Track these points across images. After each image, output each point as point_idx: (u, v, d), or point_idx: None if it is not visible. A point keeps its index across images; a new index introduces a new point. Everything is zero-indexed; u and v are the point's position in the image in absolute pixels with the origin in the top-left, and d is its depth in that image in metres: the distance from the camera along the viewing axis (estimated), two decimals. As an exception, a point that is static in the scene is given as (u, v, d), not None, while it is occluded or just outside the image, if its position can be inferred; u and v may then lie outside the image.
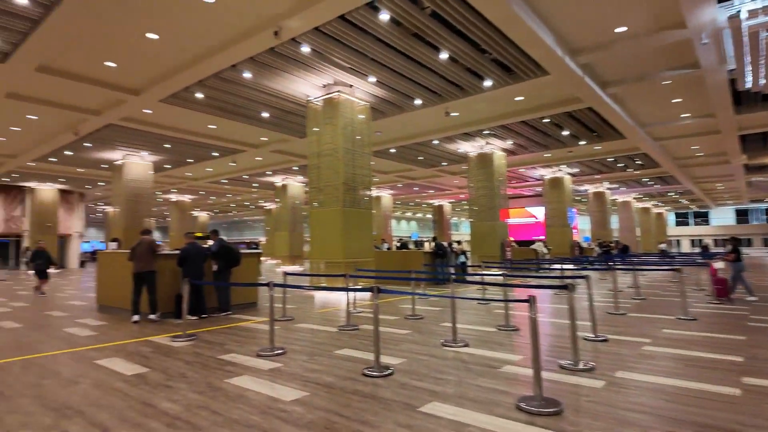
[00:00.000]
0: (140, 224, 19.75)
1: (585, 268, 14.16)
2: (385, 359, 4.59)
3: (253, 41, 9.25)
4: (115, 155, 19.47)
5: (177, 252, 7.98)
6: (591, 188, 30.84)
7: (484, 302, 8.79)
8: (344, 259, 11.72)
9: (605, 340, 5.52)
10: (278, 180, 26.87)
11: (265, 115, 14.50)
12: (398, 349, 5.18)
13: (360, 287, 8.04)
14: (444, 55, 10.24)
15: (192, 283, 7.21)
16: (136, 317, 7.22)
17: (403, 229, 59.19)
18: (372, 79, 11.66)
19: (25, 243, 27.03)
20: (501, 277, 8.69)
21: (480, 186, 19.28)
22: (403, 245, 21.08)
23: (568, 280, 5.41)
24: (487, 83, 11.95)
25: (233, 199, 38.01)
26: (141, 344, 5.60)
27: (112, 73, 11.02)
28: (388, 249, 19.33)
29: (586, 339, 5.52)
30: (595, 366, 4.35)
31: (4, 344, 5.73)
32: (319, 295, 10.98)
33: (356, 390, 3.70)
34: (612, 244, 25.74)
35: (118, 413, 3.20)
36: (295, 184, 26.99)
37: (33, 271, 12.24)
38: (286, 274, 8.20)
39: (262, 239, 49.09)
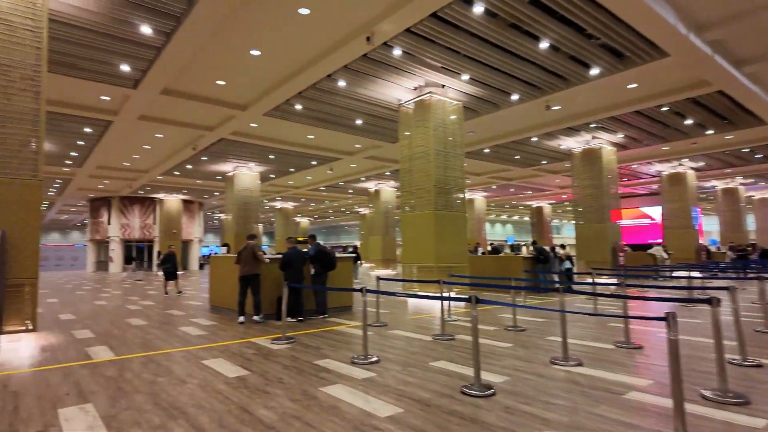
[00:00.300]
0: (249, 230, 21.40)
1: (716, 276, 12.19)
2: (486, 376, 4.19)
3: (346, 49, 9.39)
4: (227, 167, 21.32)
5: (279, 256, 8.31)
6: (720, 184, 26.76)
7: (597, 315, 7.88)
8: (436, 264, 11.41)
9: (758, 366, 4.52)
10: (371, 185, 27.41)
11: (359, 122, 14.76)
12: (500, 365, 4.73)
13: (454, 294, 7.64)
14: (544, 45, 9.48)
15: (291, 286, 7.43)
16: (241, 318, 7.62)
17: (497, 232, 56.99)
18: (465, 76, 11.23)
19: (156, 248, 30.88)
20: (615, 286, 7.69)
21: (586, 185, 17.67)
22: (495, 250, 20.07)
23: (708, 292, 4.51)
24: (594, 71, 10.84)
25: (330, 205, 39.68)
26: (244, 345, 5.83)
27: (222, 91, 11.99)
28: (483, 254, 18.56)
29: (731, 362, 4.56)
30: (749, 398, 3.52)
31: (131, 340, 6.34)
32: (413, 300, 10.77)
33: (454, 410, 3.37)
34: (749, 248, 22.00)
35: (218, 418, 3.25)
36: (388, 189, 27.29)
37: (162, 273, 13.62)
38: (379, 278, 8.11)
39: (358, 243, 50.67)
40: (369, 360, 4.89)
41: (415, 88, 11.95)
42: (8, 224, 5.97)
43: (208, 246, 46.91)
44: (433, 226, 11.62)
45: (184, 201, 32.05)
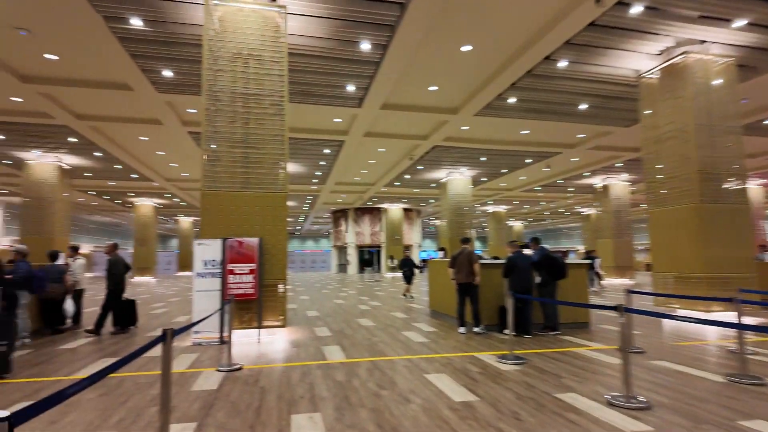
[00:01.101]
0: (464, 235, 21.32)
1: None
2: None
3: (569, 21, 8.05)
4: (441, 174, 21.77)
5: (496, 261, 7.57)
6: None
7: None
8: (703, 273, 8.72)
9: None
10: (597, 181, 23.97)
11: (583, 107, 12.81)
12: None
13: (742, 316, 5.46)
14: None
15: (517, 296, 6.59)
16: (462, 329, 7.14)
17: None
18: (739, 22, 8.34)
19: (384, 252, 34.06)
20: None
21: None
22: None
23: None
24: None
25: (547, 206, 36.75)
26: (467, 360, 5.26)
27: (434, 97, 12.02)
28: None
29: None
30: None
31: (359, 342, 6.53)
32: (668, 319, 8.44)
33: None
34: None
35: (446, 458, 2.68)
36: (618, 184, 23.38)
37: (402, 276, 13.93)
38: (629, 291, 6.48)
39: (580, 248, 45.53)
40: (635, 403, 3.64)
41: (661, 52, 9.53)
42: (263, 232, 6.97)
43: (425, 251, 49.50)
44: (695, 224, 8.97)
45: (405, 209, 34.52)
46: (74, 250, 7.91)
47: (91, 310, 10.84)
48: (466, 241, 7.47)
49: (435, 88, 11.41)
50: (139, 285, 22.27)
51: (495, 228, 36.61)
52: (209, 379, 4.43)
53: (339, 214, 36.68)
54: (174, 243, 59.35)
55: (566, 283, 7.55)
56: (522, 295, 6.10)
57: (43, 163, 17.53)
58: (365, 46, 9.03)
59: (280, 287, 6.99)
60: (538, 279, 7.26)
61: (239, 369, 4.84)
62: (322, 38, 8.81)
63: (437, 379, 4.45)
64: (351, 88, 11.14)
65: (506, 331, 7.00)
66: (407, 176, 22.32)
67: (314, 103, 12.09)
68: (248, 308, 6.79)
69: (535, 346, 6.12)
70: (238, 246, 6.60)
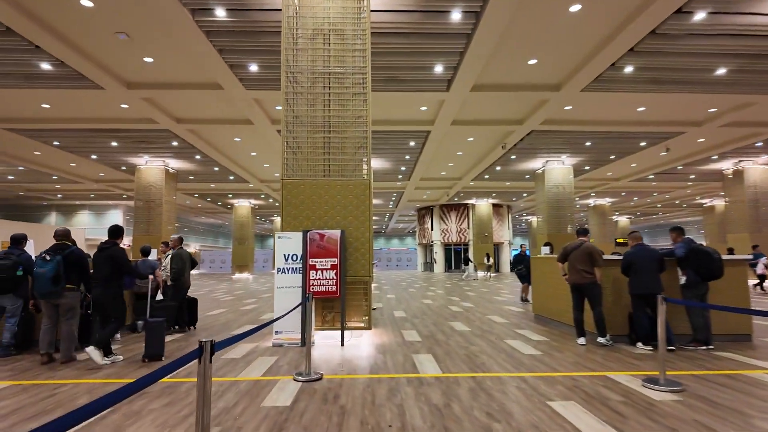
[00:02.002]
0: (562, 230, 19.29)
1: None
2: None
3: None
4: (536, 164, 19.93)
5: (615, 257, 6.18)
6: None
7: None
8: None
9: None
10: (727, 166, 20.38)
11: (721, 71, 10.55)
12: None
13: None
14: None
15: (641, 298, 5.26)
16: (581, 340, 5.88)
17: None
18: None
19: (471, 250, 32.56)
20: None
21: None
22: None
23: None
24: None
25: (659, 198, 32.48)
26: (600, 382, 4.09)
27: (533, 72, 10.65)
28: None
29: None
30: None
31: (455, 351, 5.60)
32: None
33: None
34: None
35: None
36: (757, 168, 19.61)
37: (517, 276, 11.78)
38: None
39: (704, 242, 39.85)
40: None
41: None
42: (346, 224, 6.36)
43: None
44: None
45: (494, 205, 32.66)
46: (167, 246, 7.97)
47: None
48: (584, 232, 6.17)
49: (534, 61, 10.06)
50: (237, 281, 23.42)
51: (598, 223, 33.19)
52: (283, 392, 3.82)
53: (424, 211, 35.82)
54: (270, 242, 62.96)
55: (719, 285, 5.93)
56: (643, 298, 4.71)
57: (151, 167, 19.00)
58: (455, 16, 8.06)
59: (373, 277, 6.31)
60: (682, 279, 5.75)
61: (318, 379, 4.19)
62: (408, 11, 8.01)
63: (565, 409, 3.38)
64: (439, 69, 10.21)
65: (639, 345, 5.62)
66: (498, 168, 20.79)
67: (398, 90, 11.35)
68: (331, 307, 6.22)
69: (688, 366, 4.72)
70: (319, 239, 6.04)
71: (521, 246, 9.81)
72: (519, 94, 11.66)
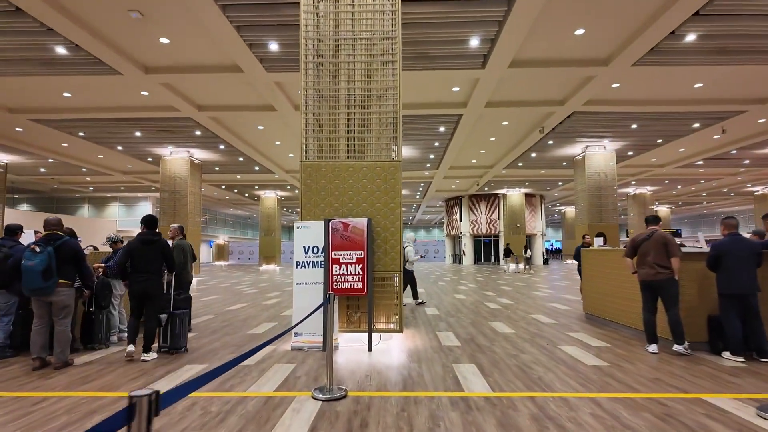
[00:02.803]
0: (604, 220, 18.01)
1: None
2: None
3: None
4: (575, 149, 18.65)
5: (696, 249, 5.20)
6: None
7: None
8: None
9: None
10: (792, 149, 18.55)
11: (801, 37, 9.19)
12: None
13: None
14: None
15: (732, 299, 4.33)
16: (652, 347, 4.97)
17: None
18: None
19: (502, 242, 31.35)
20: None
21: None
22: None
23: None
24: None
25: (705, 186, 30.37)
26: (698, 409, 3.22)
27: (579, 45, 9.57)
28: None
29: None
30: None
31: (503, 360, 4.80)
32: None
33: None
34: None
35: None
36: (828, 152, 17.75)
37: (577, 270, 10.74)
38: None
39: (746, 235, 37.28)
40: None
41: None
42: (373, 212, 5.61)
43: (549, 240, 45.12)
44: None
45: (526, 195, 31.30)
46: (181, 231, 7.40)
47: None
48: (656, 220, 5.21)
49: (581, 31, 8.99)
50: (264, 272, 23.15)
51: (638, 213, 31.36)
52: (299, 416, 3.12)
53: (452, 202, 34.75)
54: (297, 233, 62.96)
55: (825, 285, 4.89)
56: (735, 298, 3.78)
57: (176, 157, 18.75)
58: (494, -24, 7.11)
59: (395, 279, 5.56)
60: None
61: (342, 397, 3.48)
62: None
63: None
64: (474, 42, 9.27)
65: (727, 355, 4.67)
66: (533, 155, 19.59)
67: (429, 67, 10.47)
68: (356, 306, 5.50)
69: (800, 387, 3.76)
70: (343, 229, 5.31)
71: (585, 237, 8.57)
72: (562, 70, 10.58)
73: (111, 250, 5.86)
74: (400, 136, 5.66)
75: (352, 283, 5.21)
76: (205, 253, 45.59)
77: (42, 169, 22.37)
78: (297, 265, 5.29)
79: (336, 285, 5.18)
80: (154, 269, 4.82)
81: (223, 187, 28.80)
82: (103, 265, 5.48)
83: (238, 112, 13.63)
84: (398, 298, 5.54)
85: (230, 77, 10.92)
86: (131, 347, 4.68)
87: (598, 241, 7.94)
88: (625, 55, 9.70)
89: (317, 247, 5.32)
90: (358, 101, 5.74)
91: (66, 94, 12.10)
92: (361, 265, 5.23)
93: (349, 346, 5.23)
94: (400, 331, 5.58)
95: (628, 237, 26.03)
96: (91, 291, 5.08)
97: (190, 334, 6.13)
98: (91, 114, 13.62)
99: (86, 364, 4.54)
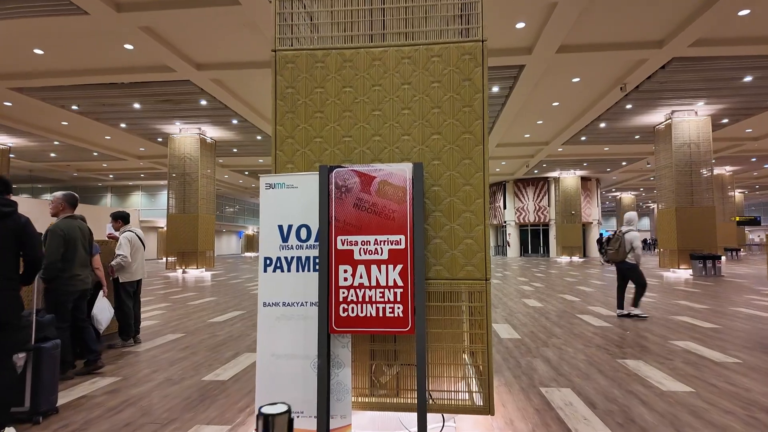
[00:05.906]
0: (696, 203, 14.50)
1: None
2: None
3: None
4: (658, 116, 15.15)
5: None
6: None
7: None
8: None
9: None
10: None
11: None
12: None
13: None
14: None
15: None
16: None
17: None
18: None
19: (553, 232, 27.90)
20: None
21: None
22: None
23: None
24: None
25: (800, 166, 25.78)
26: None
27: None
28: None
29: None
30: None
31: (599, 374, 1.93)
32: None
33: None
34: None
35: None
36: None
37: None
38: None
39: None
40: None
41: None
42: (421, 154, 2.71)
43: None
44: None
45: (582, 178, 27.63)
46: (116, 220, 4.91)
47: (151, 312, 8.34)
48: None
49: None
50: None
51: (717, 198, 27.06)
52: None
53: (495, 188, 31.49)
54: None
55: None
56: None
57: (185, 135, 16.57)
58: None
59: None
60: None
61: None
62: None
63: None
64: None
65: None
66: (602, 124, 16.19)
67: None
68: (391, 354, 2.69)
69: None
70: (361, 187, 2.50)
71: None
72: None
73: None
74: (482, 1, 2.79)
75: (380, 309, 2.40)
76: (234, 245, 44.19)
77: (52, 154, 20.84)
78: (265, 266, 2.55)
79: (344, 314, 2.40)
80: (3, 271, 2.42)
81: (246, 173, 26.75)
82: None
83: (244, 71, 11.13)
84: (487, 334, 2.61)
85: (225, 13, 8.38)
86: None
87: None
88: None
89: (307, 228, 2.55)
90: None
91: (38, 51, 9.93)
92: (401, 267, 2.42)
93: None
94: (491, 413, 2.67)
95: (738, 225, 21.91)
96: None
97: (130, 347, 3.62)
98: (75, 79, 11.48)
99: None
